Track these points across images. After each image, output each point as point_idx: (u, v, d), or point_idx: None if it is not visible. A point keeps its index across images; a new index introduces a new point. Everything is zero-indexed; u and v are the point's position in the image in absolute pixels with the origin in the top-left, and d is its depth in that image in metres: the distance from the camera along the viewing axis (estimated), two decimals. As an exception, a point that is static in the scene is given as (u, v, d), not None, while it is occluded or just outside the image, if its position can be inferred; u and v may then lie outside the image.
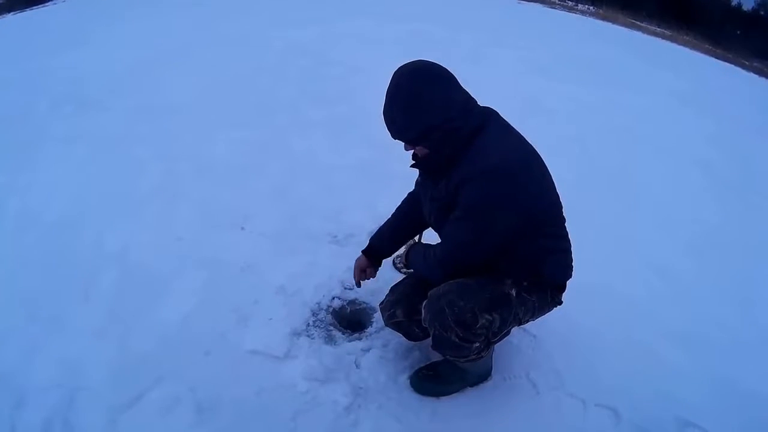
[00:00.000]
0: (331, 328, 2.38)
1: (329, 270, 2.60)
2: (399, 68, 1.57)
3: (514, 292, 1.77)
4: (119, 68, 4.89)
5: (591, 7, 13.41)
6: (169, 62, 5.11)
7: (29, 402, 2.03)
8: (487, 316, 1.75)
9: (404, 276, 2.48)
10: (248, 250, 2.76)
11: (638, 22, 12.35)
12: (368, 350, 2.28)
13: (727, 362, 2.48)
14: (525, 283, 1.78)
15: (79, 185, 3.28)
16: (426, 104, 1.53)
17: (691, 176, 4.34)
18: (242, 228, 2.94)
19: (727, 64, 9.68)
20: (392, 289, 2.13)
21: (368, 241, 2.18)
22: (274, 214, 3.05)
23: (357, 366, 2.22)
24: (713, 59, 9.82)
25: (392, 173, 2.28)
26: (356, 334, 2.38)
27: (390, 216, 2.16)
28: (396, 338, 2.32)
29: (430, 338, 1.92)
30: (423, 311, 1.83)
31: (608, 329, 2.51)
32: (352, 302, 2.52)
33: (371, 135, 3.84)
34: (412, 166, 1.80)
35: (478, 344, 1.83)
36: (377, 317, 2.42)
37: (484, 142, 1.59)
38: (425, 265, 1.86)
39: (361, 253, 2.20)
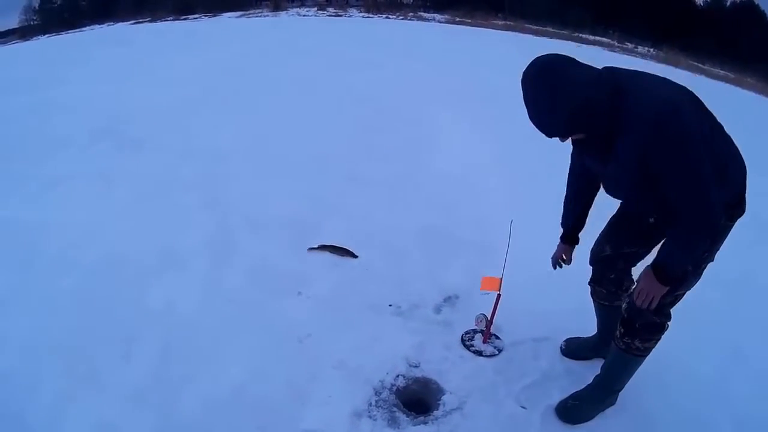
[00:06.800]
0: (395, 409, 2.15)
1: (393, 345, 2.38)
2: (525, 73, 1.60)
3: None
4: (162, 105, 4.72)
5: (651, 50, 13.36)
6: (216, 103, 4.91)
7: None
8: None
9: (473, 349, 2.41)
10: (305, 319, 2.54)
11: (701, 65, 12.19)
12: (435, 436, 2.04)
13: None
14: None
15: (120, 229, 3.12)
16: (564, 97, 1.55)
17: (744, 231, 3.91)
18: (299, 293, 2.72)
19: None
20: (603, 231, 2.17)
21: (562, 229, 2.22)
22: (332, 278, 2.83)
23: (423, 455, 1.97)
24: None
25: (458, 239, 2.10)
26: (421, 417, 2.14)
27: (565, 200, 2.16)
28: (465, 423, 2.06)
29: (620, 325, 1.91)
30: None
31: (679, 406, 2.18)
32: (417, 381, 2.28)
33: (432, 196, 3.64)
34: (575, 146, 1.92)
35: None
36: (445, 399, 2.20)
37: (634, 96, 1.59)
38: (693, 243, 1.69)
39: (559, 241, 2.23)
